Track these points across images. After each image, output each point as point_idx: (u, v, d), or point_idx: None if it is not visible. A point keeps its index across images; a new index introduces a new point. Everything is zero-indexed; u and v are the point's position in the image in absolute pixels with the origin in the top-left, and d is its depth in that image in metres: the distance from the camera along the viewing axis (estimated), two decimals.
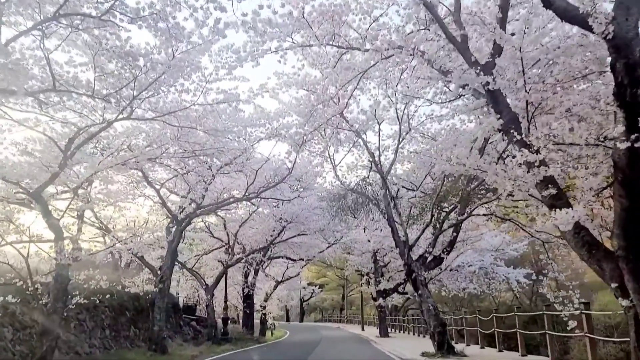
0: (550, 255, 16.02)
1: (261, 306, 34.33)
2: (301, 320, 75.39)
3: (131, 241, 16.39)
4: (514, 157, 6.95)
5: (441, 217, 17.66)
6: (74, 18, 9.08)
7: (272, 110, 16.96)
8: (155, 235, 18.90)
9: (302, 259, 31.16)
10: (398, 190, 20.00)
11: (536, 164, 6.81)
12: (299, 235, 27.49)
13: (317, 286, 58.10)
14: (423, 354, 15.72)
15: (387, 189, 18.08)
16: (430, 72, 10.86)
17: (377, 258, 30.96)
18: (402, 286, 28.64)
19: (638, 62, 5.77)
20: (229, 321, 29.30)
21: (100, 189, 16.67)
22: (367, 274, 33.93)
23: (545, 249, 15.88)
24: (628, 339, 7.04)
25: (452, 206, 17.17)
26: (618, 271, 6.64)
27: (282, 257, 31.34)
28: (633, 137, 5.83)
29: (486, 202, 16.63)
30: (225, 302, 27.26)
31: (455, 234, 18.30)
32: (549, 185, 7.13)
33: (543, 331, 13.18)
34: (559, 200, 7.13)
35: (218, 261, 27.97)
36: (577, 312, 10.74)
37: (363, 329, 40.85)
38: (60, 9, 8.50)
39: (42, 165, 12.05)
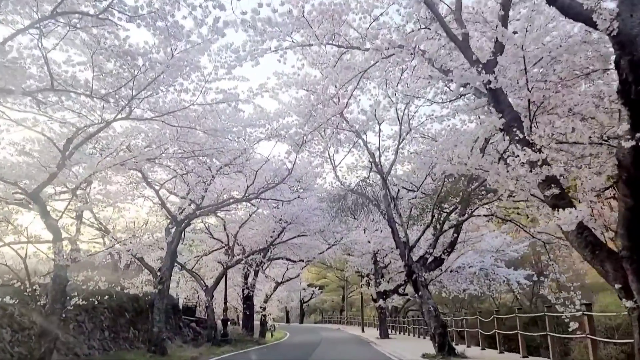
0: (552, 256, 15.94)
1: (261, 307, 34.26)
2: (301, 322, 75.32)
3: (130, 242, 16.35)
4: (517, 156, 6.86)
5: (442, 218, 17.59)
6: (71, 16, 9.00)
7: (271, 111, 16.92)
8: (154, 236, 18.85)
9: (302, 260, 31.07)
10: (398, 191, 19.92)
11: (539, 163, 6.73)
12: (299, 236, 27.39)
13: (317, 287, 58.09)
14: (424, 356, 15.63)
15: (387, 189, 18.00)
16: (431, 71, 10.79)
17: (378, 259, 30.90)
18: (402, 287, 28.55)
19: None
20: (229, 322, 29.23)
21: (99, 190, 16.62)
22: (367, 275, 33.87)
23: (546, 250, 15.83)
24: (629, 341, 6.96)
25: (453, 207, 17.11)
26: (622, 272, 6.55)
27: (282, 259, 31.25)
28: (638, 135, 5.75)
29: (487, 203, 16.59)
30: (225, 303, 27.18)
31: (455, 234, 18.24)
32: (552, 185, 7.04)
33: (544, 333, 13.09)
34: (562, 200, 7.05)
35: (218, 262, 27.90)
36: (579, 313, 10.67)
37: (363, 331, 40.77)
38: (57, 7, 8.43)
39: (41, 165, 11.98)
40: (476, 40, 9.68)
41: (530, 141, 7.00)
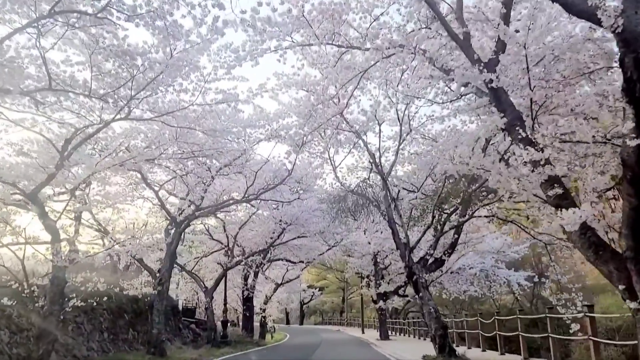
0: (553, 257, 15.86)
1: (261, 309, 34.20)
2: (301, 323, 75.29)
3: (130, 243, 16.26)
4: (520, 155, 6.79)
5: (442, 219, 17.52)
6: (70, 16, 8.93)
7: (271, 111, 16.83)
8: (154, 237, 18.76)
9: (302, 262, 31.00)
10: (399, 191, 19.83)
11: (541, 163, 6.65)
12: (298, 237, 27.32)
13: (317, 289, 58.02)
14: (424, 357, 15.56)
15: (387, 190, 17.92)
16: (432, 71, 10.71)
17: (378, 260, 30.81)
18: (402, 289, 28.44)
19: None
20: (229, 324, 29.17)
21: (98, 191, 16.55)
22: (368, 276, 33.80)
23: (547, 251, 15.75)
24: (630, 342, 6.90)
25: (453, 208, 17.04)
26: (626, 272, 6.47)
27: (282, 260, 31.18)
28: None
29: (487, 204, 16.52)
30: (225, 304, 27.12)
31: (456, 236, 18.17)
32: (555, 185, 6.97)
33: (546, 334, 13.02)
34: (565, 200, 6.97)
35: (217, 264, 27.82)
36: (581, 315, 10.61)
37: (363, 332, 40.70)
38: (55, 6, 8.35)
39: (39, 166, 11.91)
40: (477, 40, 9.61)
41: (533, 140, 6.93)
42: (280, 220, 25.40)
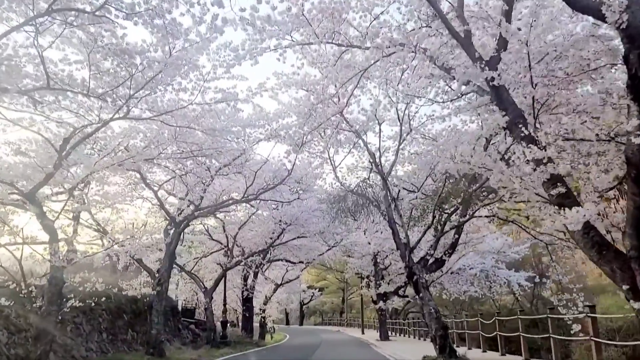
0: (553, 257, 15.81)
1: (260, 309, 34.14)
2: (301, 324, 75.23)
3: (129, 244, 16.21)
4: (522, 153, 6.71)
5: (442, 219, 17.44)
6: (68, 14, 8.85)
7: (271, 111, 16.76)
8: (153, 237, 18.71)
9: (302, 262, 30.94)
10: (399, 191, 19.77)
11: (544, 161, 6.58)
12: (298, 237, 27.25)
13: (317, 289, 57.92)
14: (424, 358, 15.49)
15: (387, 190, 17.85)
16: (432, 70, 10.64)
17: (378, 261, 30.73)
18: (402, 289, 28.37)
19: None
20: (228, 324, 29.12)
21: (96, 191, 16.47)
22: (368, 276, 33.72)
23: (548, 251, 15.69)
24: (631, 343, 6.83)
25: (454, 208, 16.96)
26: (630, 272, 6.39)
27: (282, 260, 31.11)
28: None
29: (488, 204, 16.44)
30: (225, 305, 27.06)
31: (456, 236, 18.09)
32: (558, 184, 6.89)
33: (547, 335, 12.95)
34: (568, 199, 6.89)
35: (217, 264, 27.76)
36: (582, 315, 10.54)
37: (363, 332, 40.63)
38: (53, 4, 8.28)
39: (37, 165, 11.83)
40: (478, 38, 9.55)
41: (536, 138, 6.85)
42: (280, 221, 25.33)
